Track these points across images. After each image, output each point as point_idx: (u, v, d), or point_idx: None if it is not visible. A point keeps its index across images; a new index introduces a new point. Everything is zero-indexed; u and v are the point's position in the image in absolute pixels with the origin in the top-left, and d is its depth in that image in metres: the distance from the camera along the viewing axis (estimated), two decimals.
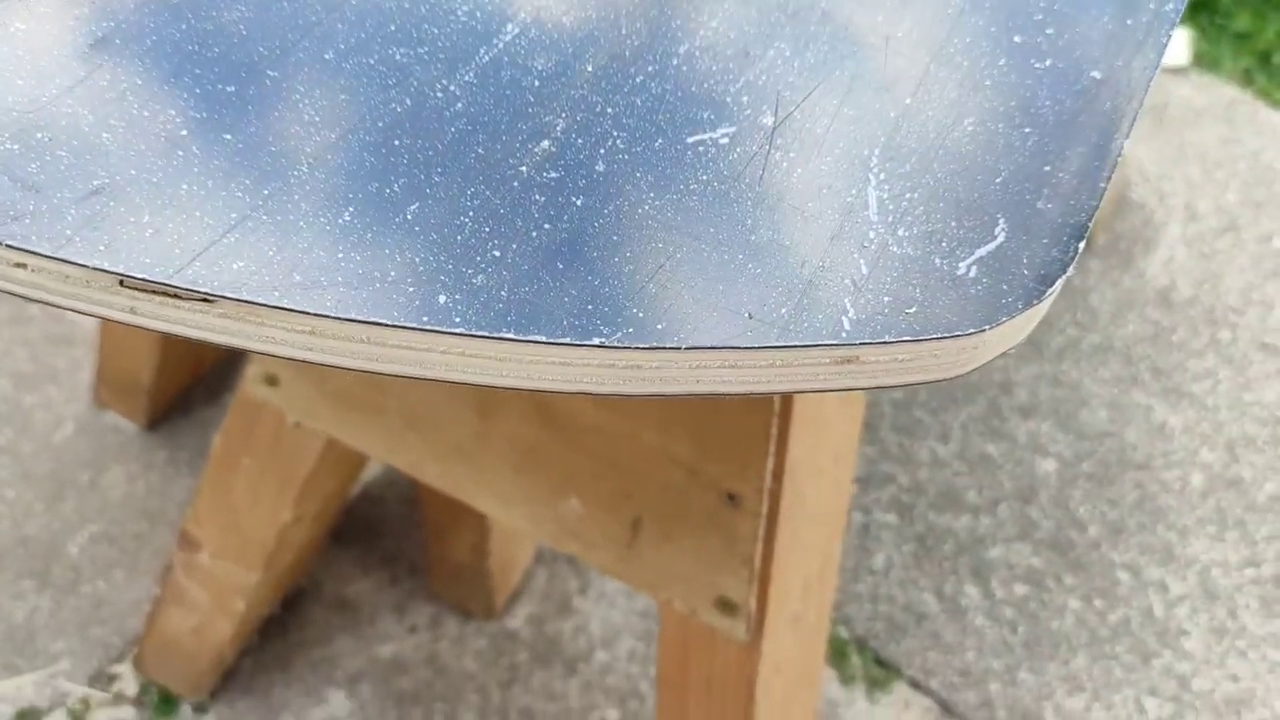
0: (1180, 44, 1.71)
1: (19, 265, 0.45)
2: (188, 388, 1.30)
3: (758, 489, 0.79)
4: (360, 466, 1.08)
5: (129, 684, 1.11)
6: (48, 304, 0.45)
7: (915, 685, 1.14)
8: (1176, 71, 1.70)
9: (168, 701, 1.10)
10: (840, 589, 1.19)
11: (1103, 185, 0.53)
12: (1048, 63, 0.58)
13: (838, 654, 1.15)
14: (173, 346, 1.25)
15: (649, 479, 0.81)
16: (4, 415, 1.27)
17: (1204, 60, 1.71)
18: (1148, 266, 1.48)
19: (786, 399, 0.76)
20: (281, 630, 1.14)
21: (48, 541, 1.19)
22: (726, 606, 0.83)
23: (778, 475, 0.79)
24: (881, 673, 1.14)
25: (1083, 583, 1.20)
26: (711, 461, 0.79)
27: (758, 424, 0.77)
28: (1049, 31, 0.60)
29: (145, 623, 1.10)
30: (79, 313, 0.45)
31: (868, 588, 1.19)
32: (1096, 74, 0.58)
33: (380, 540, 1.21)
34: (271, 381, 0.90)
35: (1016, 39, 0.59)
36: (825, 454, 0.85)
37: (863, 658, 1.15)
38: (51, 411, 1.28)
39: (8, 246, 0.45)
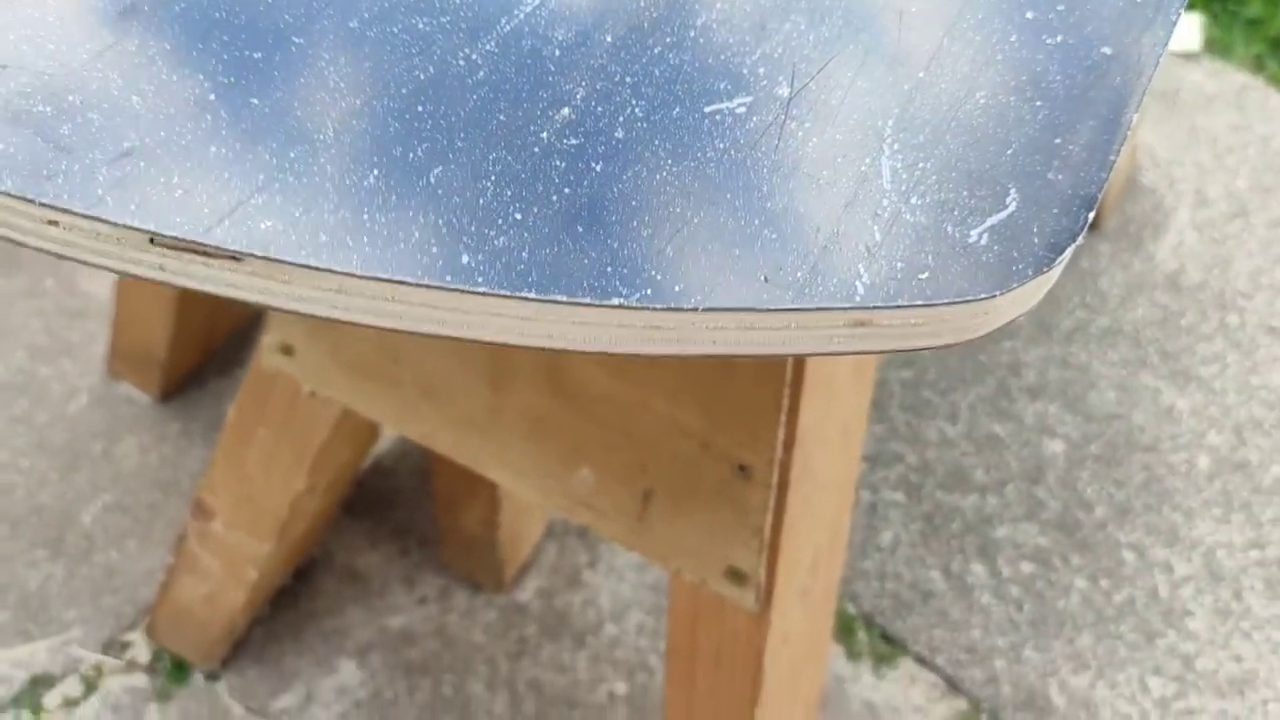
0: (1192, 30, 1.71)
1: (51, 223, 0.46)
2: (201, 360, 1.31)
3: (768, 460, 0.79)
4: (373, 437, 1.10)
5: (141, 651, 1.12)
6: (79, 261, 0.46)
7: (921, 661, 1.15)
8: (1188, 57, 1.70)
9: (180, 669, 1.11)
10: (848, 566, 1.20)
11: (1112, 158, 0.54)
12: (1059, 38, 0.59)
13: (845, 630, 1.16)
14: (186, 319, 1.26)
15: (660, 450, 0.82)
16: (19, 386, 1.28)
17: (1215, 46, 1.72)
18: (1157, 250, 1.48)
19: (797, 370, 0.77)
20: (293, 600, 1.15)
21: (61, 511, 1.20)
22: (736, 577, 0.84)
23: (788, 446, 0.80)
24: (888, 649, 1.15)
25: (1089, 563, 1.21)
26: (722, 432, 0.80)
27: (768, 394, 0.78)
28: (1060, 8, 0.61)
29: (158, 591, 1.11)
30: (109, 270, 0.46)
31: (875, 565, 1.20)
32: (1107, 50, 0.59)
33: (391, 512, 1.22)
34: (287, 351, 0.91)
35: (1028, 15, 0.60)
36: (835, 425, 0.86)
37: (869, 634, 1.16)
38: (66, 383, 1.29)
39: (41, 204, 0.46)
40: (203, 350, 1.31)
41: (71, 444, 1.25)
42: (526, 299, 0.45)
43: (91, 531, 1.19)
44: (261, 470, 1.00)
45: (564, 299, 0.45)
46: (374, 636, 1.14)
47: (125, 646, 1.13)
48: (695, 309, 0.46)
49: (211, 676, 1.11)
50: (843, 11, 0.59)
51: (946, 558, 1.21)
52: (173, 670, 1.11)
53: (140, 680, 1.11)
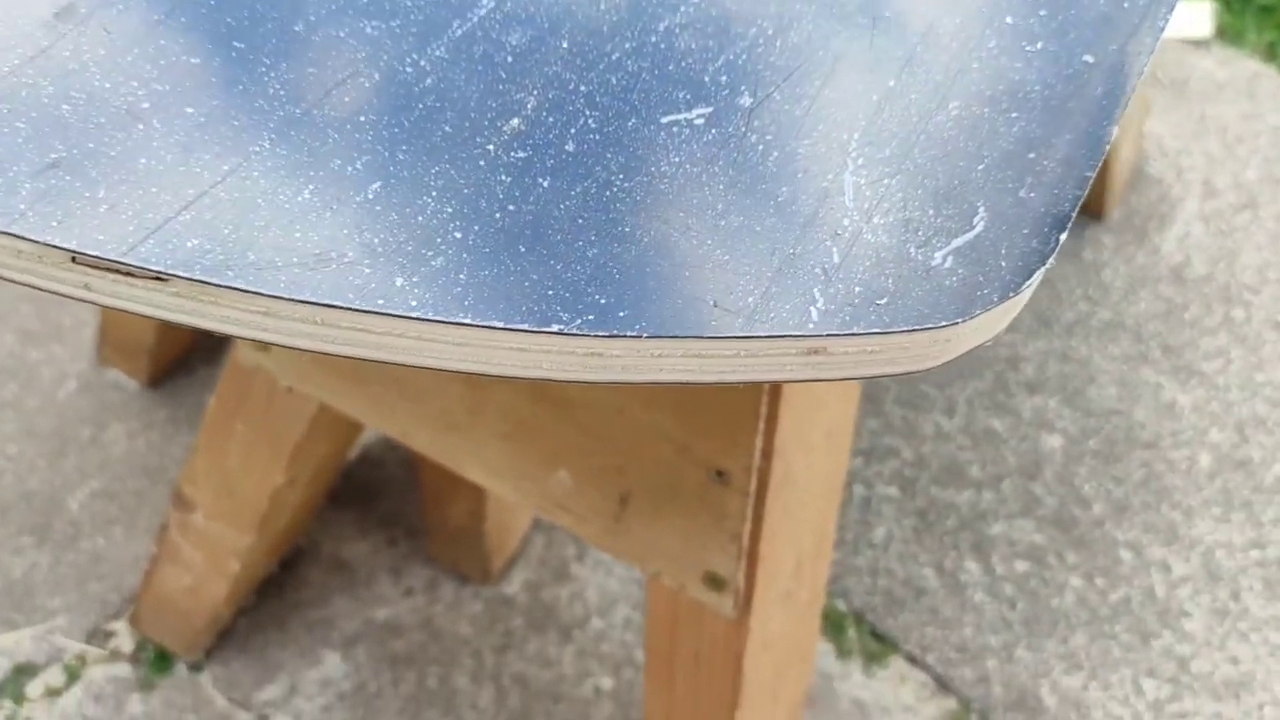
0: (1203, 16, 1.67)
1: None
2: (190, 347, 1.30)
3: (746, 467, 0.78)
4: (357, 430, 1.08)
5: (125, 641, 1.11)
6: (5, 280, 0.45)
7: (912, 660, 1.13)
8: (1199, 44, 1.67)
9: (163, 659, 1.10)
10: (839, 562, 1.18)
11: (1089, 174, 0.51)
12: (1039, 45, 0.57)
13: (835, 627, 1.14)
14: None
15: (638, 453, 0.81)
16: (9, 371, 1.27)
17: (1227, 33, 1.68)
18: (1163, 242, 1.46)
19: None
20: (278, 591, 1.14)
21: (48, 497, 1.19)
22: (714, 582, 0.82)
23: (767, 453, 0.78)
24: (878, 646, 1.14)
25: (1084, 561, 1.19)
26: (700, 438, 0.78)
27: (747, 401, 0.76)
28: (1042, 12, 0.58)
29: (142, 581, 1.10)
30: (35, 288, 0.45)
31: (867, 561, 1.19)
32: (1089, 58, 0.56)
33: (378, 503, 1.21)
34: (263, 346, 0.90)
35: (1008, 20, 0.58)
36: (818, 431, 0.85)
37: (860, 631, 1.15)
38: (55, 368, 1.28)
39: None
40: (192, 337, 1.30)
41: (60, 430, 1.24)
42: (462, 325, 0.43)
43: (78, 518, 1.18)
44: (241, 464, 0.99)
45: (501, 325, 0.43)
46: (359, 628, 1.13)
47: (109, 636, 1.12)
48: (639, 336, 0.44)
49: (195, 667, 1.10)
50: (813, 16, 0.57)
51: (940, 554, 1.19)
52: (156, 660, 1.10)
53: (124, 670, 1.10)
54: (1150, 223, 1.47)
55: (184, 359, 1.29)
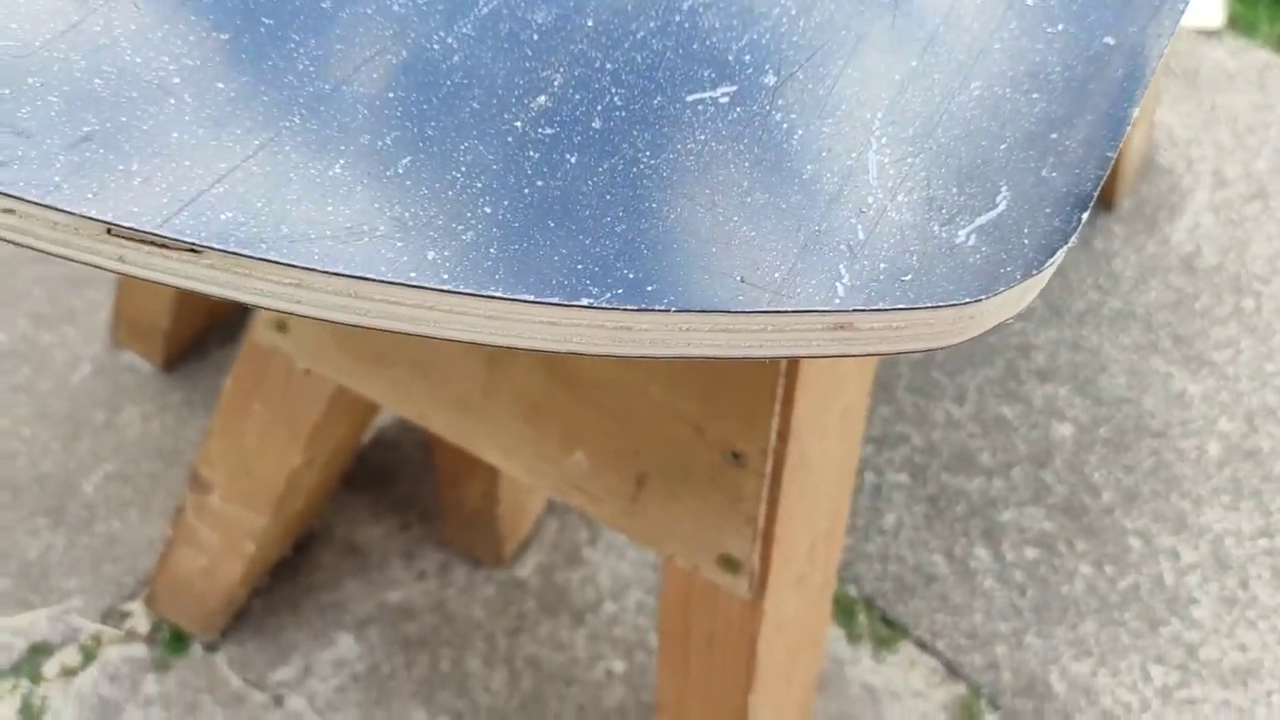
0: (1215, 6, 1.68)
1: (8, 211, 0.45)
2: (205, 330, 1.31)
3: (762, 449, 0.78)
4: (372, 412, 1.09)
5: (141, 621, 1.12)
6: (37, 250, 0.45)
7: (922, 646, 1.14)
8: (1210, 34, 1.67)
9: (179, 639, 1.11)
10: (850, 548, 1.19)
11: (1110, 155, 0.52)
12: (1060, 27, 0.57)
13: (845, 612, 1.15)
14: None
15: (654, 435, 0.81)
16: (22, 354, 1.28)
17: (1239, 23, 1.68)
18: (1173, 232, 1.46)
19: (793, 358, 0.75)
20: (292, 573, 1.15)
21: (63, 479, 1.20)
22: (729, 564, 0.83)
23: (783, 435, 0.78)
24: (888, 632, 1.14)
25: (1094, 548, 1.19)
26: (717, 419, 0.79)
27: (763, 382, 0.76)
28: None
29: (157, 562, 1.11)
30: (69, 260, 0.45)
31: (878, 547, 1.19)
32: (1110, 39, 0.57)
33: (392, 486, 1.21)
34: (281, 327, 0.90)
35: (1029, 1, 0.58)
36: (833, 413, 0.85)
37: (870, 617, 1.15)
38: (69, 351, 1.29)
39: None
40: (206, 320, 1.30)
41: (74, 413, 1.24)
42: (492, 298, 0.44)
43: (93, 501, 1.18)
44: (257, 445, 0.99)
45: (531, 298, 0.44)
46: (373, 610, 1.13)
47: (125, 616, 1.12)
48: (667, 310, 0.44)
49: (210, 647, 1.11)
50: None
51: (950, 541, 1.20)
52: (171, 640, 1.11)
53: (139, 650, 1.11)
54: (1160, 212, 1.48)
55: (198, 341, 1.30)
